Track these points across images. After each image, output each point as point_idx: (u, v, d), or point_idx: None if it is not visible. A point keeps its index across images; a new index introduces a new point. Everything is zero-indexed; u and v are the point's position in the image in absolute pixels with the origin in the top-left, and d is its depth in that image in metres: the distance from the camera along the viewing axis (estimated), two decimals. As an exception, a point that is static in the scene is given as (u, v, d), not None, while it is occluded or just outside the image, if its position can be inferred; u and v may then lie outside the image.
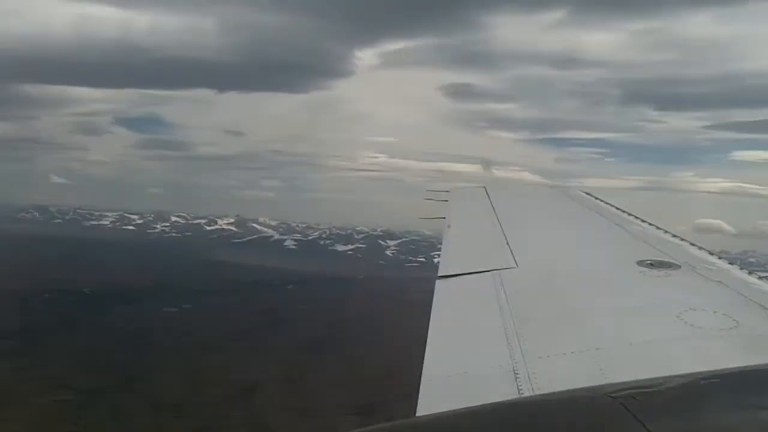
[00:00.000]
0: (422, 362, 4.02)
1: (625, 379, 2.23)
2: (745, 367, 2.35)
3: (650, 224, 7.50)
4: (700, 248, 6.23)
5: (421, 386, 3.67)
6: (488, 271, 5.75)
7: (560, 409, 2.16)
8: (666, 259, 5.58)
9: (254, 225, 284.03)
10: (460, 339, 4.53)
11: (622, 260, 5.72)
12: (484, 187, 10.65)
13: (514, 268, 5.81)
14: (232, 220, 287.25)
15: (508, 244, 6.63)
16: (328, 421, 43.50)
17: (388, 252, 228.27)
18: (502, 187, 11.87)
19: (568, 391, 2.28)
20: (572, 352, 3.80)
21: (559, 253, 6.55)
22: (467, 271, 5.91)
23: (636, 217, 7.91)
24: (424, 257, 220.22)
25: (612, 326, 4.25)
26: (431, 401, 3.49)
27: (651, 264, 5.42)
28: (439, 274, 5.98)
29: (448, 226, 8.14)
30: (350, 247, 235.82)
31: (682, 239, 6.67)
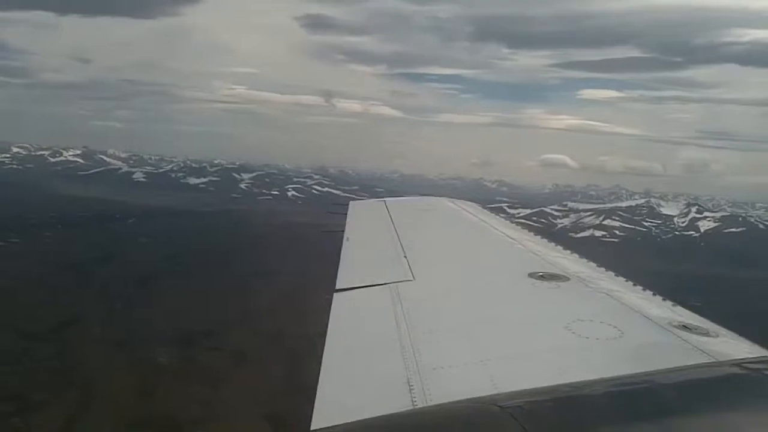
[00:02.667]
0: (316, 375, 4.02)
1: (514, 389, 2.40)
2: (627, 375, 2.48)
3: (541, 237, 7.92)
4: (588, 261, 6.58)
5: (317, 400, 3.70)
6: (385, 284, 5.80)
7: (449, 419, 2.28)
8: (556, 271, 5.77)
9: (103, 157, 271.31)
10: (356, 352, 4.55)
11: (514, 272, 5.87)
12: (384, 200, 10.93)
13: (411, 280, 5.89)
14: (78, 152, 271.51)
15: (405, 257, 6.73)
16: (142, 353, 43.47)
17: (242, 185, 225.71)
18: (403, 201, 11.95)
19: (459, 401, 2.40)
20: (465, 364, 3.91)
21: (454, 266, 6.70)
22: (364, 284, 5.93)
23: (528, 230, 8.30)
24: (278, 190, 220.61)
25: (504, 337, 4.38)
26: (326, 414, 3.52)
27: (542, 276, 5.59)
28: (337, 287, 5.95)
29: (347, 239, 8.14)
30: (203, 180, 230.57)
31: (572, 252, 7.02)
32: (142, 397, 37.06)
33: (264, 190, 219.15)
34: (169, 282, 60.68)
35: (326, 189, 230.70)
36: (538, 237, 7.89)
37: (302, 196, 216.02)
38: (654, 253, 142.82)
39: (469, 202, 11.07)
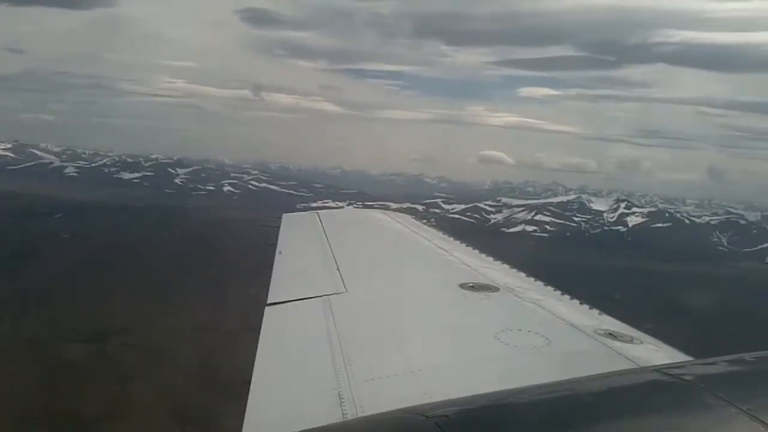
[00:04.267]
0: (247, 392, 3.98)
1: (443, 399, 2.41)
2: (551, 383, 2.53)
3: (473, 248, 7.97)
4: (518, 271, 6.69)
5: (246, 415, 3.69)
6: (318, 296, 5.80)
7: (376, 430, 2.35)
8: (486, 282, 5.87)
9: (34, 151, 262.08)
10: (288, 366, 4.55)
11: (446, 283, 5.95)
12: (317, 212, 10.88)
13: (343, 293, 5.90)
14: (9, 146, 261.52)
15: (338, 269, 6.73)
16: (51, 350, 42.28)
17: (177, 180, 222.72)
18: (335, 213, 12.04)
19: (387, 412, 2.43)
20: (396, 375, 3.92)
21: (387, 277, 6.73)
22: (297, 298, 5.93)
23: (460, 242, 8.38)
24: (214, 185, 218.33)
25: (435, 347, 4.43)
26: (256, 429, 3.57)
27: (472, 287, 5.66)
28: (269, 301, 5.92)
29: (279, 253, 8.07)
30: (137, 175, 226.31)
31: (502, 262, 7.12)
32: (45, 395, 36.60)
33: (199, 186, 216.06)
34: (88, 278, 59.41)
35: (264, 184, 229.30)
36: (470, 248, 7.99)
37: (238, 191, 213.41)
38: (582, 247, 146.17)
39: (402, 214, 11.19)
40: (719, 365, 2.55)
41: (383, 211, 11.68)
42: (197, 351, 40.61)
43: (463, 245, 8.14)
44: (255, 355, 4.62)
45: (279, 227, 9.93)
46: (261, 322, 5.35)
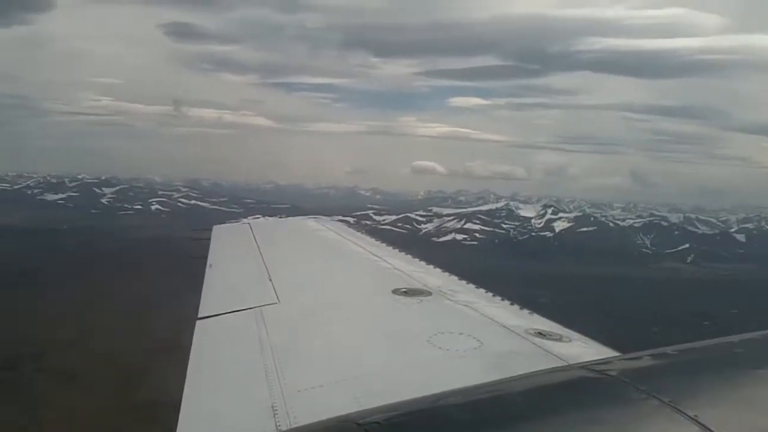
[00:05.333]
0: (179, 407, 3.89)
1: (377, 405, 2.41)
2: (482, 384, 2.57)
3: (405, 254, 8.01)
4: (450, 275, 6.75)
5: (177, 430, 3.63)
6: (250, 308, 5.73)
7: None
8: (419, 287, 5.93)
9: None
10: (219, 379, 4.45)
11: (378, 289, 5.96)
12: (249, 223, 10.83)
13: (275, 303, 5.85)
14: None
15: (270, 279, 6.69)
16: None
17: (103, 200, 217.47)
18: (268, 223, 12.00)
19: (318, 422, 2.43)
20: (330, 383, 3.92)
21: (319, 286, 6.72)
22: (228, 310, 5.83)
23: (393, 248, 8.41)
24: (141, 204, 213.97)
25: (368, 354, 4.42)
26: None
27: (405, 292, 5.69)
28: (199, 315, 5.79)
29: (210, 265, 7.94)
30: (61, 196, 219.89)
31: (434, 267, 7.18)
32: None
33: (126, 205, 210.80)
34: (1, 303, 57.94)
35: (193, 202, 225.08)
36: (403, 253, 8.03)
37: (167, 209, 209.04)
38: (510, 253, 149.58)
39: (335, 222, 11.20)
40: (642, 359, 2.62)
41: (316, 219, 11.60)
42: (114, 374, 39.87)
43: (396, 251, 8.19)
44: (179, 374, 4.48)
45: (209, 240, 9.81)
46: (190, 338, 5.20)
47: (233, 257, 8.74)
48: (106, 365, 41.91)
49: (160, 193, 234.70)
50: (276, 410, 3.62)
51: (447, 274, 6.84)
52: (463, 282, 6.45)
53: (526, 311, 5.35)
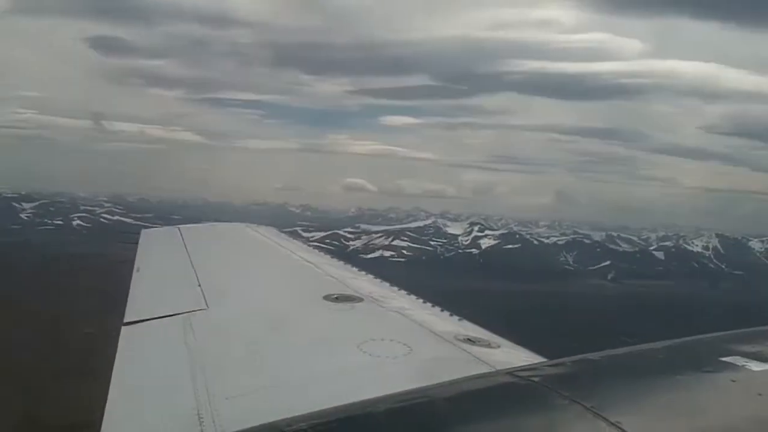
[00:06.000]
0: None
1: (305, 412, 2.40)
2: (411, 390, 2.56)
3: (338, 260, 8.01)
4: (382, 281, 6.77)
5: None
6: (178, 314, 5.57)
7: None
8: (350, 293, 5.89)
9: None
10: (145, 387, 4.32)
11: (310, 295, 5.92)
12: (178, 227, 10.53)
13: (204, 309, 5.73)
14: None
15: (199, 285, 6.53)
16: None
17: (22, 215, 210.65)
18: (197, 228, 11.58)
19: (245, 430, 2.43)
20: (258, 390, 3.87)
21: (250, 292, 6.63)
22: (155, 316, 5.67)
23: (325, 253, 8.43)
24: (62, 219, 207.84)
25: (298, 361, 4.39)
26: None
27: (336, 298, 5.66)
28: (125, 320, 5.62)
29: (137, 270, 7.73)
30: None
31: (367, 273, 7.18)
32: None
33: (46, 220, 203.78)
34: None
35: (117, 217, 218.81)
36: (335, 260, 8.01)
37: (88, 225, 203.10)
38: (436, 270, 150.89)
39: (268, 227, 11.04)
40: (567, 366, 2.65)
41: (248, 224, 11.40)
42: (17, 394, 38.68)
43: (328, 257, 8.17)
44: (101, 384, 4.30)
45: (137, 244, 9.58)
46: (115, 345, 5.03)
47: (161, 262, 8.54)
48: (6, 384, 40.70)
49: (82, 208, 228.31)
50: (202, 418, 3.55)
51: (379, 280, 6.87)
52: (396, 288, 6.48)
53: (456, 318, 5.40)
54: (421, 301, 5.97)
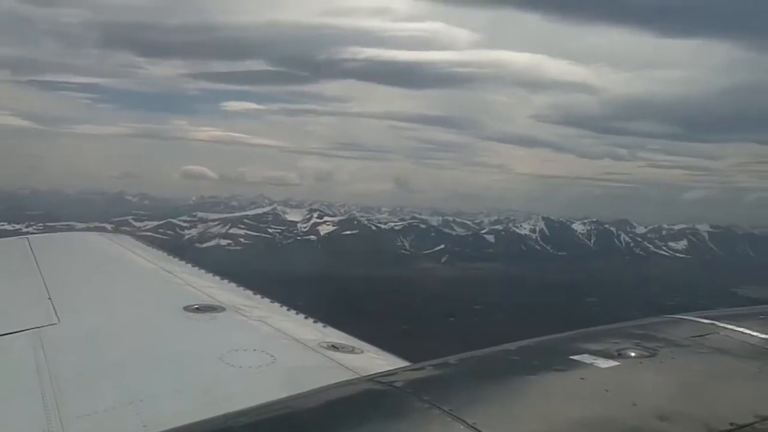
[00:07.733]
0: None
1: (167, 428, 2.35)
2: (273, 401, 2.53)
3: (199, 269, 7.79)
4: (245, 289, 6.70)
5: None
6: (26, 330, 5.25)
7: None
8: (212, 303, 5.77)
9: None
10: None
11: (169, 306, 5.75)
12: (27, 238, 9.85)
13: (55, 324, 5.42)
14: None
15: (50, 298, 6.17)
16: None
17: None
18: (48, 238, 10.96)
19: None
20: (113, 407, 3.73)
21: (104, 304, 6.31)
22: (2, 332, 5.28)
23: (186, 263, 8.12)
24: None
25: (157, 375, 4.25)
26: None
27: (197, 308, 5.52)
28: None
29: None
30: None
31: (229, 281, 7.07)
32: None
33: None
34: None
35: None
36: (197, 269, 7.82)
37: None
38: (274, 258, 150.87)
39: (124, 236, 10.73)
40: (426, 370, 2.70)
41: (101, 233, 11.05)
42: None
43: (190, 266, 7.96)
44: None
45: None
46: None
47: (7, 275, 8.02)
48: None
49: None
50: None
51: (242, 288, 6.82)
52: (258, 296, 6.47)
53: (320, 324, 5.46)
54: (285, 308, 6.02)
